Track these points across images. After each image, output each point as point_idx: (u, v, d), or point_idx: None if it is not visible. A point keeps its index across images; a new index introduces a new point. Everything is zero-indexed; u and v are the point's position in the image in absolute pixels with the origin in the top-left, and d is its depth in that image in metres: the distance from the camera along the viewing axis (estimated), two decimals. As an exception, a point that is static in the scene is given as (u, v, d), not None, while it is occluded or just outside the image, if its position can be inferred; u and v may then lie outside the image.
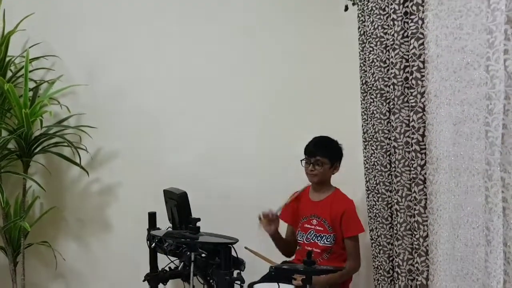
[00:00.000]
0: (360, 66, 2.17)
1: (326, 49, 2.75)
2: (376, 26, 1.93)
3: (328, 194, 2.24)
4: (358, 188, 2.40)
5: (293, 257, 2.34)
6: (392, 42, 1.79)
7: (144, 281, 2.09)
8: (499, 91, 1.14)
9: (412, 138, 1.71)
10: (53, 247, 2.60)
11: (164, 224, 2.28)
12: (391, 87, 1.82)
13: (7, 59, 2.44)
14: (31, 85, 2.53)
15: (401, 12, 1.74)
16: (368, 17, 2.01)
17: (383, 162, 1.97)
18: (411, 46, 1.67)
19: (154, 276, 2.09)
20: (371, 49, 1.99)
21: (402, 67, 1.76)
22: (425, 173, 1.67)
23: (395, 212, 1.86)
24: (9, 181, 2.57)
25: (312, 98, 2.77)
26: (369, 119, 2.08)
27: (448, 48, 1.50)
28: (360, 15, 2.16)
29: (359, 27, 2.17)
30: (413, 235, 1.74)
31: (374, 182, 2.07)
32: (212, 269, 1.86)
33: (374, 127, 2.01)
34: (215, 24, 2.74)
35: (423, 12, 1.63)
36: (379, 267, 2.07)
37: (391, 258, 1.99)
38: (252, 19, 2.76)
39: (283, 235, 2.36)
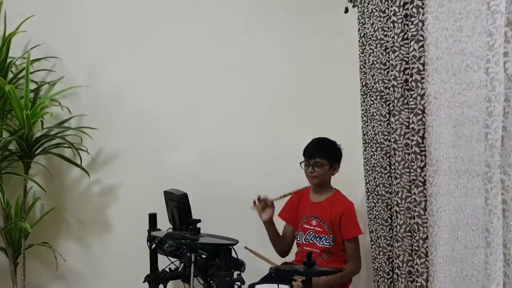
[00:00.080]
0: (360, 68, 2.18)
1: (326, 50, 2.75)
2: (376, 28, 1.93)
3: (328, 196, 2.24)
4: (358, 190, 2.40)
5: (291, 259, 2.34)
6: (392, 44, 1.79)
7: (144, 282, 2.09)
8: (499, 93, 1.14)
9: (412, 140, 1.71)
10: (53, 248, 2.60)
11: (164, 225, 2.28)
12: (391, 89, 1.82)
13: (8, 60, 2.44)
14: (32, 86, 2.54)
15: (401, 14, 1.74)
16: (368, 19, 2.02)
17: (383, 164, 1.97)
18: (411, 48, 1.68)
19: (155, 277, 2.09)
20: (371, 51, 2.00)
21: (402, 69, 1.76)
22: (425, 175, 1.68)
23: (395, 214, 1.86)
24: (10, 182, 2.57)
25: (312, 98, 2.77)
26: (369, 121, 2.08)
27: (448, 50, 1.51)
28: (360, 17, 2.17)
29: (359, 29, 2.18)
30: (413, 236, 1.75)
31: (374, 184, 2.08)
32: (212, 270, 1.86)
33: (374, 129, 2.01)
34: (215, 24, 2.74)
35: (423, 14, 1.63)
36: (379, 269, 2.07)
37: (391, 260, 2.00)
38: (252, 19, 2.77)
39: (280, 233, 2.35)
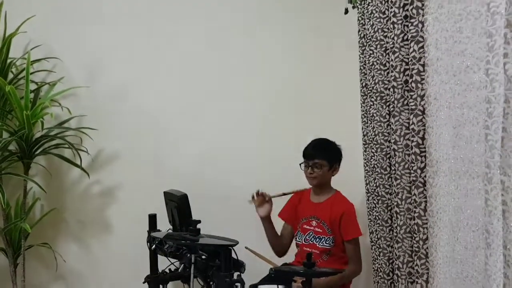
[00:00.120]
0: (360, 69, 2.18)
1: (326, 50, 2.76)
2: (376, 29, 1.93)
3: (328, 197, 2.24)
4: (358, 191, 2.40)
5: (291, 260, 2.34)
6: (392, 45, 1.79)
7: (144, 282, 2.09)
8: (499, 95, 1.14)
9: (412, 141, 1.71)
10: (53, 248, 2.60)
11: (164, 226, 2.28)
12: (391, 90, 1.82)
13: (9, 61, 2.45)
14: (32, 87, 2.54)
15: (401, 16, 1.74)
16: (368, 20, 2.02)
17: (383, 165, 1.97)
18: (411, 49, 1.68)
19: (154, 278, 2.09)
20: (371, 52, 2.00)
21: (402, 70, 1.76)
22: (425, 176, 1.68)
23: (395, 215, 1.86)
24: (9, 183, 2.57)
25: (312, 99, 2.78)
26: (369, 122, 2.08)
27: (448, 52, 1.51)
28: (360, 18, 2.17)
29: (359, 30, 2.18)
30: (413, 237, 1.75)
31: (374, 185, 2.08)
32: (212, 271, 1.86)
33: (374, 129, 2.01)
34: (215, 24, 2.74)
35: (423, 15, 1.63)
36: (379, 270, 2.07)
37: (391, 261, 2.00)
38: (252, 19, 2.77)
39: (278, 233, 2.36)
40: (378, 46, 1.93)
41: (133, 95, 2.71)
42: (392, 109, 1.83)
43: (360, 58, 2.18)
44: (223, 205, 2.66)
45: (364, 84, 2.15)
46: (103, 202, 2.72)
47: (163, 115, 2.72)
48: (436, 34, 1.58)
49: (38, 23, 2.52)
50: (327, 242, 2.18)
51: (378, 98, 1.96)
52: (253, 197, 2.21)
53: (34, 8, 2.54)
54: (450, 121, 1.51)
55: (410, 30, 1.68)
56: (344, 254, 2.20)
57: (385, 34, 1.89)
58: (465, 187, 1.44)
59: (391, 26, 1.78)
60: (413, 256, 1.77)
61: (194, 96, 2.74)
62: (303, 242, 2.24)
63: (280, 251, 2.32)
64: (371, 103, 2.03)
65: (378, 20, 1.92)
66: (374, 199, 2.09)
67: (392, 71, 1.80)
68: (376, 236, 2.09)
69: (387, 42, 1.87)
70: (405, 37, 1.73)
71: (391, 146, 1.86)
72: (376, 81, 1.96)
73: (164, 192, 2.27)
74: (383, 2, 1.88)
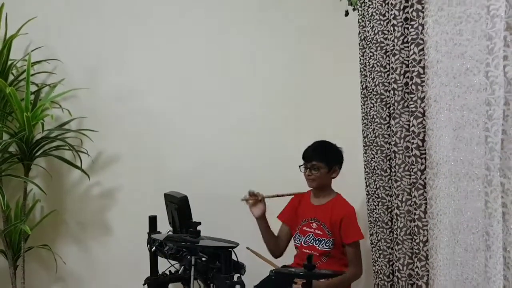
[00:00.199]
0: (361, 71, 2.18)
1: (327, 52, 2.76)
2: (376, 31, 1.94)
3: (329, 199, 2.24)
4: (359, 193, 2.40)
5: (290, 261, 2.34)
6: (392, 48, 1.80)
7: (144, 284, 2.09)
8: (499, 97, 1.14)
9: (412, 143, 1.71)
10: (53, 250, 2.60)
11: (164, 227, 2.28)
12: (391, 92, 1.82)
13: (9, 62, 2.45)
14: (33, 88, 2.54)
15: (401, 18, 1.75)
16: (368, 22, 2.02)
17: (383, 167, 1.97)
18: (411, 52, 1.68)
19: (155, 279, 2.09)
20: (371, 54, 2.00)
21: (402, 72, 1.76)
22: (425, 178, 1.68)
23: (395, 217, 1.86)
24: (10, 184, 2.58)
25: (312, 102, 2.78)
26: (369, 124, 2.08)
27: (448, 54, 1.51)
28: (360, 21, 2.17)
29: (359, 33, 2.18)
30: (413, 239, 1.75)
31: (374, 187, 2.08)
32: (212, 273, 1.86)
33: (374, 131, 2.01)
34: (215, 24, 2.75)
35: (423, 18, 1.64)
36: (379, 272, 2.07)
37: (391, 263, 2.00)
38: (252, 19, 2.78)
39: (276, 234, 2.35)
40: (378, 48, 1.93)
41: (134, 97, 2.71)
42: (392, 111, 1.83)
43: (360, 60, 2.18)
44: (224, 207, 2.66)
45: (364, 86, 2.15)
46: (103, 204, 2.73)
47: (163, 116, 2.73)
48: (436, 37, 1.58)
49: (39, 25, 2.53)
50: (327, 244, 2.18)
51: (379, 100, 1.96)
52: (246, 199, 2.20)
53: (34, 10, 2.55)
54: (450, 123, 1.51)
55: (410, 32, 1.69)
56: (343, 256, 2.20)
57: (385, 36, 1.89)
58: (465, 189, 1.44)
59: (391, 28, 1.79)
60: (413, 258, 1.77)
61: (195, 98, 2.75)
62: (303, 244, 2.24)
63: (276, 252, 2.32)
64: (372, 105, 2.03)
65: (378, 22, 1.92)
66: (374, 201, 2.09)
67: (392, 73, 1.81)
68: (376, 238, 2.09)
69: (387, 44, 1.87)
70: (405, 40, 1.74)
71: (391, 148, 1.86)
72: (377, 83, 1.96)
73: (165, 194, 2.27)
74: (383, 5, 1.88)
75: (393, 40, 1.78)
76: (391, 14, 1.79)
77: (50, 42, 2.64)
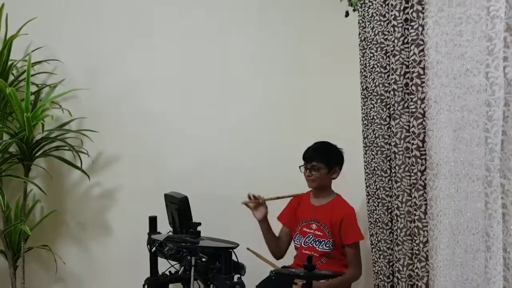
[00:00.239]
0: (361, 71, 2.18)
1: (327, 53, 2.76)
2: (376, 32, 1.94)
3: (329, 200, 2.25)
4: (359, 193, 2.40)
5: (290, 262, 2.34)
6: (392, 48, 1.80)
7: (144, 285, 2.09)
8: (499, 98, 1.14)
9: (412, 144, 1.71)
10: (53, 251, 2.60)
11: (164, 228, 2.28)
12: (392, 92, 1.82)
13: (9, 63, 2.46)
14: (33, 89, 2.55)
15: (401, 19, 1.75)
16: (368, 23, 2.02)
17: (384, 168, 1.97)
18: (411, 53, 1.68)
19: (155, 280, 2.09)
20: (371, 55, 2.00)
21: (402, 73, 1.76)
22: (425, 179, 1.68)
23: (395, 218, 1.86)
24: (10, 185, 2.58)
25: (313, 102, 2.78)
26: (369, 124, 2.08)
27: (448, 55, 1.51)
28: (360, 21, 2.17)
29: (359, 33, 2.18)
30: (413, 240, 1.75)
31: (375, 187, 2.08)
32: (212, 274, 1.86)
33: (375, 132, 2.01)
34: (215, 24, 2.75)
35: (423, 19, 1.64)
36: (379, 272, 2.07)
37: (391, 263, 2.00)
38: (252, 19, 2.78)
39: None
40: (379, 49, 1.93)
41: (134, 97, 2.72)
42: (392, 111, 1.83)
43: (360, 61, 2.18)
44: (224, 207, 2.66)
45: (364, 87, 2.15)
46: (104, 204, 2.73)
47: (163, 116, 2.73)
48: (436, 37, 1.58)
49: (39, 25, 2.53)
50: (327, 245, 2.18)
51: (379, 100, 1.96)
52: (246, 202, 2.20)
53: (35, 10, 2.55)
54: (450, 124, 1.51)
55: (410, 33, 1.69)
56: (342, 257, 2.20)
57: (386, 37, 1.89)
58: (465, 190, 1.44)
59: (392, 29, 1.79)
60: (413, 259, 1.77)
61: (195, 98, 2.75)
62: (302, 245, 2.24)
63: (278, 254, 2.32)
64: (372, 106, 2.03)
65: (378, 23, 1.93)
66: (375, 202, 2.09)
67: (392, 74, 1.81)
68: (376, 239, 2.09)
69: (388, 45, 1.87)
70: (406, 40, 1.74)
71: (392, 148, 1.86)
72: (377, 83, 1.96)
73: (165, 194, 2.27)
74: (384, 5, 1.88)
75: (393, 41, 1.78)
76: (391, 15, 1.79)
77: (50, 42, 2.64)
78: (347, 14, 2.34)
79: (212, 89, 2.76)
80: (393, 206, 1.89)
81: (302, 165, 2.23)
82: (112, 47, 2.70)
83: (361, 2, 2.10)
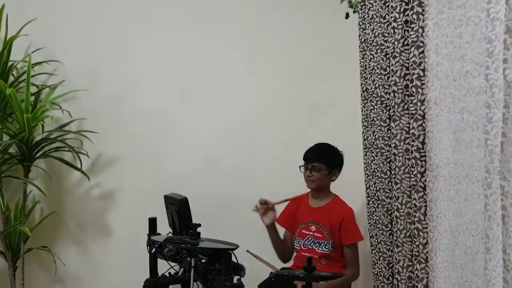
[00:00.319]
0: (361, 73, 2.18)
1: (327, 54, 2.76)
2: (376, 34, 1.94)
3: (327, 201, 2.25)
4: (358, 195, 2.40)
5: (290, 264, 2.34)
6: (392, 50, 1.80)
7: (144, 286, 2.09)
8: (499, 100, 1.14)
9: (412, 145, 1.71)
10: (53, 252, 2.60)
11: (164, 229, 2.28)
12: (392, 94, 1.82)
13: (10, 64, 2.46)
14: (33, 90, 2.55)
15: (401, 21, 1.75)
16: (368, 25, 2.02)
17: (383, 169, 1.97)
18: (411, 54, 1.68)
19: (154, 281, 2.09)
20: (371, 56, 2.00)
21: (402, 74, 1.77)
22: (425, 180, 1.68)
23: (395, 219, 1.86)
24: (9, 186, 2.58)
25: (313, 103, 2.78)
26: (369, 126, 2.09)
27: (448, 57, 1.51)
28: (360, 23, 2.17)
29: (359, 35, 2.19)
30: (413, 242, 1.75)
31: (374, 189, 2.08)
32: (212, 275, 1.86)
33: (375, 134, 2.01)
34: (215, 24, 2.76)
35: (423, 21, 1.64)
36: (379, 274, 2.07)
37: (391, 265, 1.99)
38: (252, 19, 2.78)
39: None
40: (379, 51, 1.93)
41: (134, 98, 2.72)
42: (392, 113, 1.84)
43: (360, 63, 2.19)
44: (224, 209, 2.66)
45: (364, 88, 2.16)
46: (103, 205, 2.73)
47: (163, 117, 2.73)
48: (436, 39, 1.58)
49: (39, 26, 2.53)
50: (326, 247, 2.18)
51: (379, 102, 1.96)
52: (257, 206, 2.20)
53: (35, 11, 2.55)
54: (450, 126, 1.51)
55: (410, 35, 1.69)
56: (342, 258, 2.20)
57: (386, 39, 1.89)
58: (465, 191, 1.44)
59: (392, 31, 1.79)
60: (413, 261, 1.77)
61: (195, 99, 2.75)
62: (302, 247, 2.24)
63: (285, 257, 2.33)
64: (372, 108, 2.03)
65: (378, 25, 1.93)
66: (374, 203, 2.09)
67: (392, 76, 1.81)
68: (376, 240, 2.09)
69: (388, 47, 1.87)
70: (406, 42, 1.74)
71: (391, 150, 1.86)
72: (377, 85, 1.97)
73: (164, 196, 2.27)
74: (384, 7, 1.88)
75: (393, 43, 1.78)
76: (391, 17, 1.79)
77: (50, 43, 2.64)
78: (347, 16, 2.34)
79: (212, 89, 2.76)
80: (393, 208, 1.89)
81: (302, 165, 2.23)
82: (112, 48, 2.70)
83: (361, 3, 2.10)
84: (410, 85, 1.71)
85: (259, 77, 2.78)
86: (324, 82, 2.77)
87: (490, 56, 1.17)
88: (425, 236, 1.69)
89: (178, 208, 2.10)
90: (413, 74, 1.68)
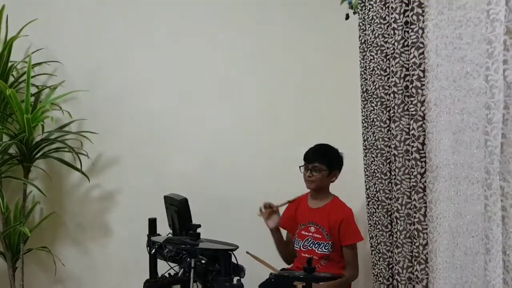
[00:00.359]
0: (361, 74, 2.18)
1: (327, 55, 2.77)
2: (376, 35, 1.94)
3: (326, 202, 2.25)
4: (358, 196, 2.40)
5: (291, 265, 2.34)
6: (392, 51, 1.80)
7: (144, 287, 2.09)
8: (498, 101, 1.15)
9: (412, 146, 1.71)
10: (52, 252, 2.60)
11: (164, 230, 2.28)
12: (392, 95, 1.83)
13: (10, 64, 2.46)
14: (33, 90, 2.55)
15: (401, 22, 1.75)
16: (369, 26, 2.03)
17: (383, 170, 1.97)
18: (411, 55, 1.69)
19: (154, 282, 2.09)
20: (371, 57, 2.01)
21: (402, 75, 1.77)
22: (425, 181, 1.68)
23: (395, 220, 1.86)
24: (9, 186, 2.58)
25: (313, 104, 2.78)
26: (369, 127, 2.09)
27: (448, 58, 1.51)
28: (361, 24, 2.18)
29: (360, 36, 2.19)
30: (413, 243, 1.75)
31: (374, 190, 2.08)
32: (212, 276, 1.86)
33: (375, 134, 2.01)
34: (215, 24, 2.76)
35: (423, 22, 1.64)
36: (378, 275, 2.07)
37: (390, 266, 1.99)
38: (252, 19, 2.78)
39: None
40: (379, 52, 1.94)
41: (134, 99, 2.72)
42: (392, 114, 1.84)
43: (360, 63, 2.19)
44: (223, 209, 2.66)
45: (364, 89, 2.16)
46: (103, 206, 2.72)
47: (163, 117, 2.73)
48: (436, 40, 1.58)
49: (39, 26, 2.53)
50: (326, 247, 2.18)
51: (379, 103, 1.96)
52: (261, 210, 2.20)
53: (35, 12, 2.55)
54: (450, 127, 1.52)
55: (410, 36, 1.69)
56: (341, 259, 2.20)
57: (386, 39, 1.90)
58: (465, 192, 1.45)
59: (392, 32, 1.79)
60: (413, 262, 1.77)
61: (195, 99, 2.75)
62: (301, 248, 2.24)
63: (289, 258, 2.33)
64: (372, 108, 2.03)
65: (378, 26, 1.93)
66: (374, 204, 2.09)
67: (392, 77, 1.81)
68: (376, 241, 2.09)
69: (388, 48, 1.88)
70: (406, 43, 1.74)
71: (391, 151, 1.86)
72: (377, 86, 1.97)
73: (164, 196, 2.27)
74: (384, 8, 1.88)
75: (393, 44, 1.79)
76: (391, 18, 1.79)
77: (50, 44, 2.64)
78: (347, 17, 2.34)
79: (212, 89, 2.76)
80: (393, 209, 1.89)
81: (302, 166, 2.23)
82: (112, 49, 2.70)
83: (362, 4, 2.10)
84: (410, 86, 1.71)
85: (259, 77, 2.78)
86: (324, 82, 2.77)
87: (490, 57, 1.17)
88: (425, 237, 1.69)
89: (178, 208, 2.10)
90: (413, 75, 1.69)
